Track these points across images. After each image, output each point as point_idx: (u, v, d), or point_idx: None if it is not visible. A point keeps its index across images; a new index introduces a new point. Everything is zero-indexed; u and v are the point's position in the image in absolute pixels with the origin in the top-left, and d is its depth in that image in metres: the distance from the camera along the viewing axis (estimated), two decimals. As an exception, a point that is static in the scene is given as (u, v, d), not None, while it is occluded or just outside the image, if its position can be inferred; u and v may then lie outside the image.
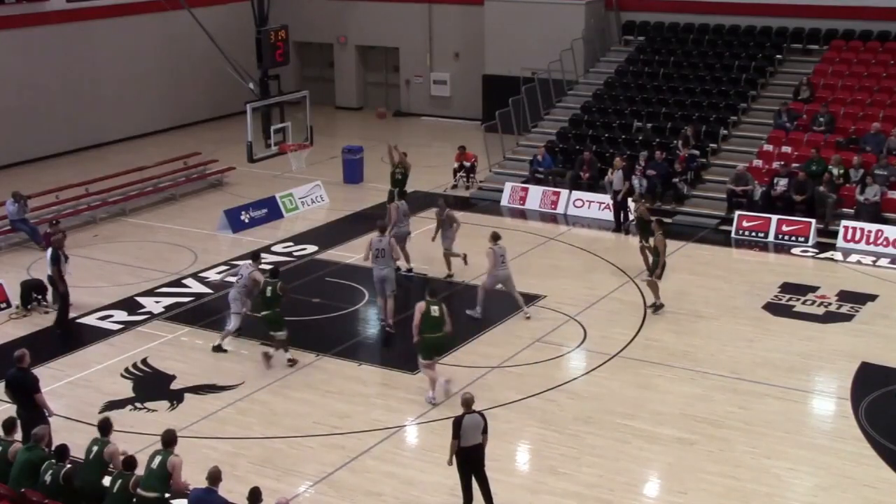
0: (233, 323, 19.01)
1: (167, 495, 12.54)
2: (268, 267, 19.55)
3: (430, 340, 16.75)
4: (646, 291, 20.77)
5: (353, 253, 23.43)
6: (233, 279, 19.43)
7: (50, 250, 20.03)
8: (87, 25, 33.56)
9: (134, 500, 12.45)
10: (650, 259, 21.06)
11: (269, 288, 18.11)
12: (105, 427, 13.32)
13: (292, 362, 18.29)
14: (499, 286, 20.13)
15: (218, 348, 18.92)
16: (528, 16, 34.20)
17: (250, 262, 19.27)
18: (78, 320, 20.41)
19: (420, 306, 16.77)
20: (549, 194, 27.43)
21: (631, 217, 24.39)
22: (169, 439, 12.78)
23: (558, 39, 32.60)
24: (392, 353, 19.18)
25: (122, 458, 12.85)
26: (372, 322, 20.44)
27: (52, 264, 19.83)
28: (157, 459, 12.52)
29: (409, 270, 22.44)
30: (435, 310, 16.71)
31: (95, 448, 13.11)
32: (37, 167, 31.52)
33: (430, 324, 16.65)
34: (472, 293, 20.50)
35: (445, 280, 22.03)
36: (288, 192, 27.75)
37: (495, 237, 19.95)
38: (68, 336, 19.76)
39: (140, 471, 12.68)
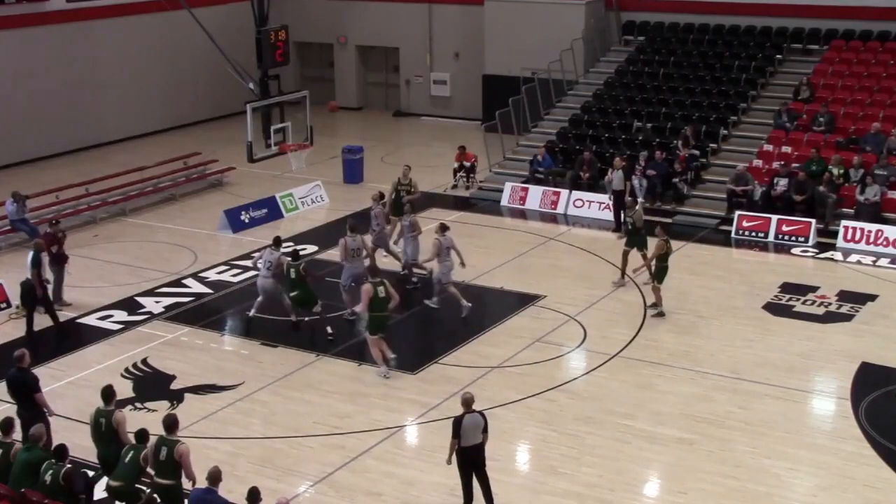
0: (286, 302, 19.77)
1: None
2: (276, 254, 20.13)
3: (378, 318, 17.59)
4: (647, 293, 20.76)
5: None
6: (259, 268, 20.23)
7: (31, 253, 19.93)
8: (87, 25, 33.55)
9: (146, 491, 12.62)
10: (626, 263, 21.25)
11: (293, 270, 19.19)
12: (108, 395, 13.44)
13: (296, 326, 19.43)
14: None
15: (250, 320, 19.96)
16: (528, 16, 34.18)
17: (272, 247, 20.10)
18: (78, 320, 20.43)
19: (367, 289, 17.51)
20: (549, 194, 27.42)
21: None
22: (170, 423, 12.80)
23: (558, 39, 32.58)
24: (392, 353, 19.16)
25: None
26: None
27: (32, 267, 19.67)
28: (164, 451, 12.52)
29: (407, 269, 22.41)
30: (381, 290, 17.49)
31: (104, 420, 13.20)
32: (37, 167, 31.51)
33: (377, 303, 17.44)
34: (468, 294, 20.47)
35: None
36: (288, 192, 27.74)
37: (443, 228, 20.31)
38: (38, 343, 19.08)
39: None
